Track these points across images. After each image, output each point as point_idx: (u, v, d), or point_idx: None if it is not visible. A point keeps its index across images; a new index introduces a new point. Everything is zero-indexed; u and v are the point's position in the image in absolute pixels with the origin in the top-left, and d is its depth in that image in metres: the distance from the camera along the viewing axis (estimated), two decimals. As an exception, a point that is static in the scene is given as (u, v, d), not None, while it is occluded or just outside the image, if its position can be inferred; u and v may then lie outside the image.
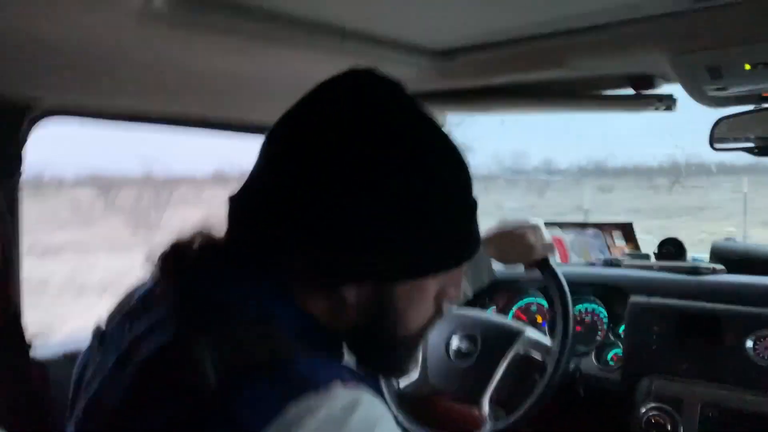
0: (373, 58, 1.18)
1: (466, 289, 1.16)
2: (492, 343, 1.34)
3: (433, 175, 0.64)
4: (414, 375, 1.39)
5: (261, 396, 0.53)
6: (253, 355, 0.56)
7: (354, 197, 0.60)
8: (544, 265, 1.25)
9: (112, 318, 0.71)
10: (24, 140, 1.13)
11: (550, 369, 1.20)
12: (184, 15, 0.85)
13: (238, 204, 0.66)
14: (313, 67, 1.24)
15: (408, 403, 1.36)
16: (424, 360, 1.39)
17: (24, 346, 1.14)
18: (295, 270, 0.63)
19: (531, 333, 1.33)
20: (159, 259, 0.65)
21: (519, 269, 1.60)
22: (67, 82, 1.14)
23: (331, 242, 0.61)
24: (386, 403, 0.61)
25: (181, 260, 0.64)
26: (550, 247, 1.26)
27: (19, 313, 0.69)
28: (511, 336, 1.32)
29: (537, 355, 1.27)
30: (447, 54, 1.24)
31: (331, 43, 1.06)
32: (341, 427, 0.53)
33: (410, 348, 0.72)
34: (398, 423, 1.30)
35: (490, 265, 1.18)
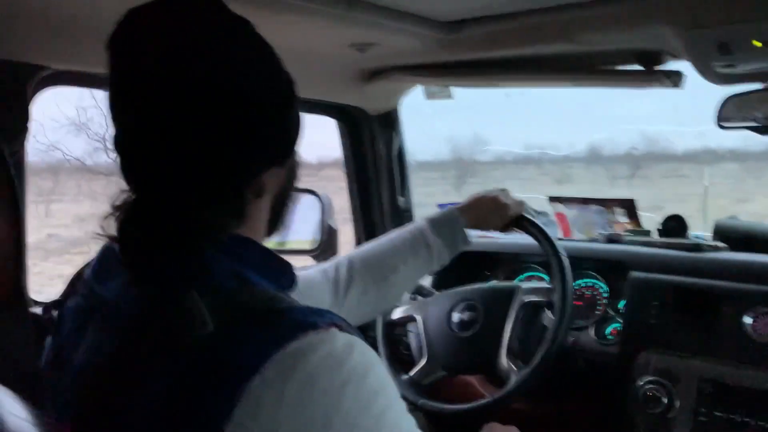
0: (379, 28, 1.17)
1: (443, 254, 1.19)
2: (493, 305, 1.36)
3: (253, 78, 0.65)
4: (422, 361, 1.40)
5: (260, 336, 0.55)
6: (246, 304, 0.58)
7: (216, 117, 0.62)
8: (520, 219, 1.28)
9: (65, 297, 0.73)
10: (29, 103, 1.13)
11: (558, 303, 1.23)
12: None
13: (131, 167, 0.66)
14: (318, 36, 1.24)
15: (426, 390, 1.38)
16: (429, 342, 1.40)
17: (27, 312, 1.16)
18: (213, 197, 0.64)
19: (527, 284, 1.37)
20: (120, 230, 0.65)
21: (518, 243, 1.63)
22: (73, 50, 1.14)
23: (217, 156, 0.63)
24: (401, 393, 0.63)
25: (128, 228, 0.64)
26: (521, 204, 1.29)
27: (24, 280, 0.71)
28: (509, 292, 1.35)
29: (541, 298, 1.30)
30: (453, 25, 1.23)
31: (337, 12, 1.06)
32: (341, 365, 0.55)
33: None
34: (423, 408, 1.33)
35: (464, 231, 1.21)
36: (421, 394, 1.36)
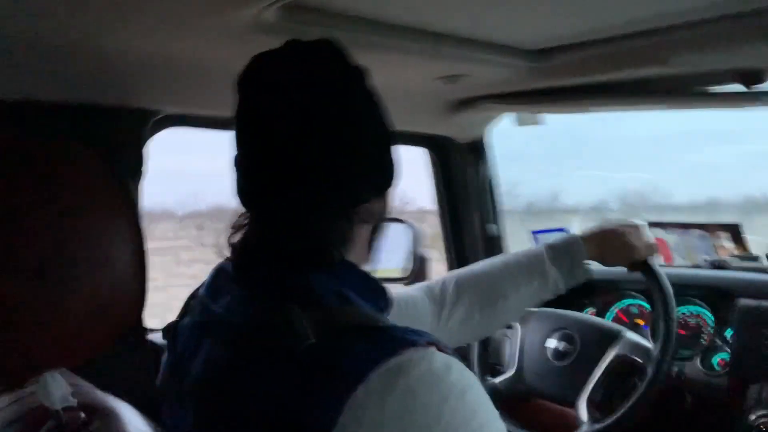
0: (466, 60, 1.20)
1: (560, 285, 1.13)
2: (590, 343, 1.32)
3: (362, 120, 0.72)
4: (510, 371, 1.39)
5: (361, 350, 0.58)
6: (346, 320, 0.62)
7: (329, 146, 0.68)
8: (646, 266, 1.21)
9: (181, 317, 0.78)
10: (144, 146, 1.23)
11: (650, 373, 1.17)
12: (292, 26, 0.91)
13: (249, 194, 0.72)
14: (408, 71, 1.28)
15: (503, 400, 1.36)
16: (521, 358, 1.40)
17: (144, 338, 1.25)
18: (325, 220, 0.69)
19: (631, 335, 1.30)
20: (234, 249, 0.73)
21: (619, 270, 1.58)
22: (184, 94, 1.23)
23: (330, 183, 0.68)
24: None
25: (244, 250, 0.72)
26: (652, 248, 1.21)
27: (143, 309, 0.77)
28: (610, 337, 1.30)
29: (637, 358, 1.24)
30: (542, 53, 1.24)
31: (425, 47, 1.09)
32: (441, 382, 0.57)
33: None
34: None
35: (586, 263, 1.15)
36: (496, 404, 1.34)
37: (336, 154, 0.68)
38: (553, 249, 1.14)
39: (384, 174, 0.74)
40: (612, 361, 1.27)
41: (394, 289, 1.15)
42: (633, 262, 1.20)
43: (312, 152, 0.67)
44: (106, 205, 0.63)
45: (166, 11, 0.88)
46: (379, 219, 0.76)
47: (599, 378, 1.26)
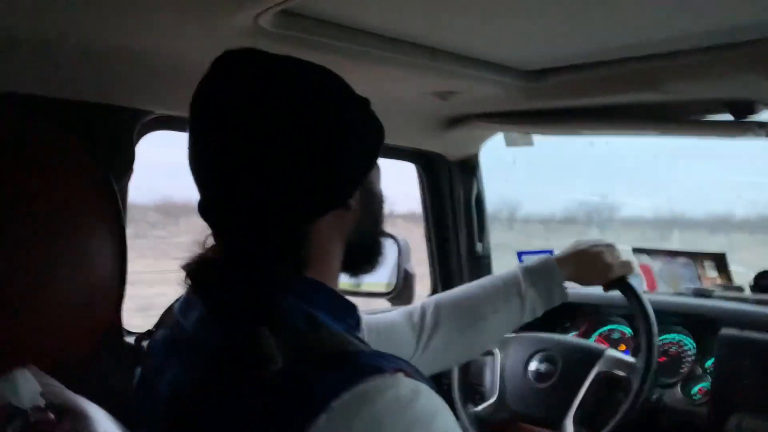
0: (461, 77, 1.20)
1: (537, 307, 1.14)
2: (573, 363, 1.32)
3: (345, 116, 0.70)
4: (492, 398, 1.38)
5: (328, 376, 0.57)
6: (315, 344, 0.61)
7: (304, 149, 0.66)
8: (622, 283, 1.22)
9: (156, 331, 0.78)
10: (134, 146, 1.22)
11: (636, 385, 1.18)
12: (288, 33, 0.91)
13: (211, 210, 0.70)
14: (401, 85, 1.28)
15: (487, 428, 1.35)
16: (502, 382, 1.38)
17: (122, 341, 1.23)
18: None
19: (613, 352, 1.31)
20: (189, 271, 0.70)
21: (601, 295, 1.58)
22: (177, 96, 1.22)
23: (309, 183, 0.67)
24: (463, 427, 0.63)
25: (209, 269, 0.70)
26: (627, 266, 1.22)
27: (121, 312, 0.76)
28: (592, 355, 1.31)
29: (621, 373, 1.25)
30: (536, 74, 1.24)
31: (420, 62, 1.09)
32: (407, 409, 0.56)
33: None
34: None
35: (563, 285, 1.16)
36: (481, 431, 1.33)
37: (286, 167, 0.66)
38: (529, 271, 1.14)
39: (328, 187, 0.69)
40: (596, 378, 1.27)
41: (376, 312, 1.15)
42: (609, 281, 1.21)
43: (261, 165, 0.65)
44: (89, 202, 0.62)
45: (163, 12, 0.88)
46: (354, 233, 0.74)
47: (584, 396, 1.26)
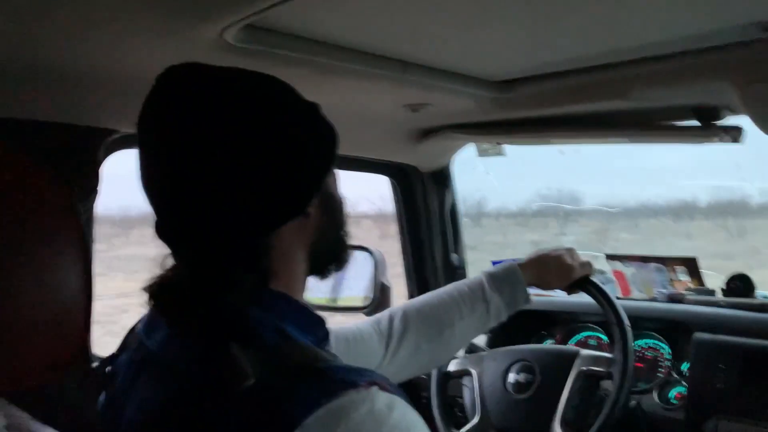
0: (432, 89, 1.20)
1: (501, 312, 1.16)
2: (550, 369, 1.32)
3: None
4: (475, 418, 1.37)
5: (302, 392, 0.56)
6: (287, 359, 0.59)
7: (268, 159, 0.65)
8: (585, 282, 1.24)
9: (120, 354, 0.75)
10: (99, 166, 1.19)
11: (618, 376, 1.19)
12: (256, 48, 0.90)
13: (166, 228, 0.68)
14: (373, 98, 1.28)
15: None
16: (483, 400, 1.37)
17: (90, 366, 1.20)
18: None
19: (588, 351, 1.33)
20: (151, 291, 0.68)
21: (576, 302, 1.59)
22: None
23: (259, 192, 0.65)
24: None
25: (172, 289, 0.67)
26: (587, 266, 1.25)
27: (89, 336, 0.74)
28: (568, 357, 1.32)
29: (600, 368, 1.27)
30: (505, 84, 1.25)
31: (392, 75, 1.09)
32: (382, 423, 0.56)
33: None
34: None
35: (525, 289, 1.18)
36: None
37: (237, 180, 0.64)
38: (493, 277, 1.17)
39: (285, 197, 0.68)
40: (577, 379, 1.28)
41: (345, 323, 1.14)
42: (571, 283, 1.24)
43: (212, 179, 0.63)
44: (52, 224, 0.60)
45: (127, 30, 0.86)
46: (317, 241, 0.73)
47: (568, 397, 1.26)
